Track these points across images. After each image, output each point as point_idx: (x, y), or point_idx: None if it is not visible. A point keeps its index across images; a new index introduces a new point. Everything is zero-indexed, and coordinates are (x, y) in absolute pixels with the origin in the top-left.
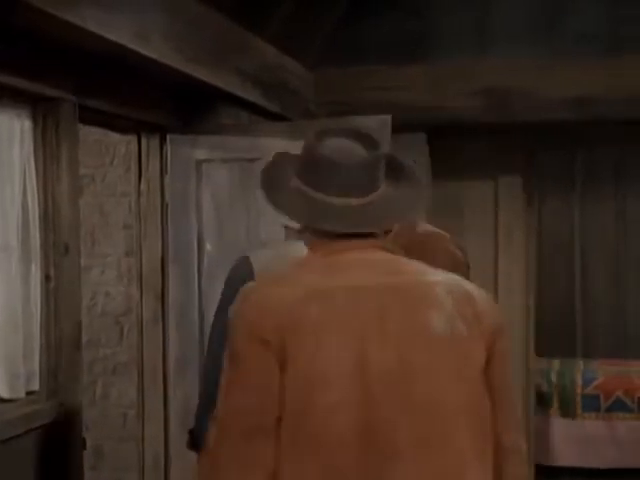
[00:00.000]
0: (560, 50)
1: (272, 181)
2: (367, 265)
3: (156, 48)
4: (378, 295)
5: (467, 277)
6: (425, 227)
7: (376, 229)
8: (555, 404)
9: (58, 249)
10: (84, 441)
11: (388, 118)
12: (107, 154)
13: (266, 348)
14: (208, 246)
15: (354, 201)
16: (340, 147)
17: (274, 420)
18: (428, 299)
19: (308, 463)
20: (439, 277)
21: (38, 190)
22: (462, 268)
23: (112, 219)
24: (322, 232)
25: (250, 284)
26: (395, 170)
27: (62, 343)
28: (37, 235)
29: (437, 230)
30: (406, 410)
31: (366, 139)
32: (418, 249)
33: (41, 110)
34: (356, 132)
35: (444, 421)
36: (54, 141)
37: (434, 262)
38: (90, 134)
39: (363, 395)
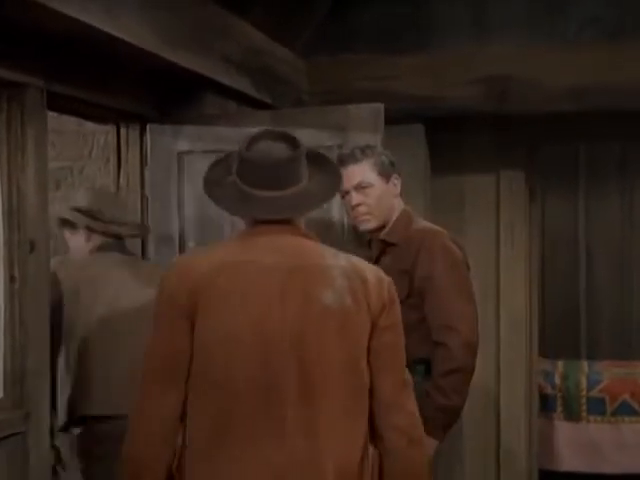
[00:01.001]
0: (563, 38)
1: (213, 177)
2: (276, 247)
3: (128, 29)
4: (281, 273)
5: (466, 276)
6: (422, 224)
7: (289, 216)
8: (559, 407)
9: (23, 247)
10: (59, 454)
11: (380, 106)
12: (85, 145)
13: (180, 311)
14: (190, 243)
15: (276, 193)
16: (265, 148)
17: (185, 371)
18: (323, 279)
19: (209, 406)
20: (338, 261)
21: (1, 182)
22: (459, 265)
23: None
24: (249, 219)
25: (178, 257)
26: (317, 164)
27: (28, 349)
28: (0, 232)
29: (434, 227)
30: (295, 366)
31: (289, 140)
32: (414, 245)
33: (4, 96)
34: (282, 134)
35: (326, 377)
36: (19, 129)
37: (431, 259)
38: (68, 124)
39: (259, 352)
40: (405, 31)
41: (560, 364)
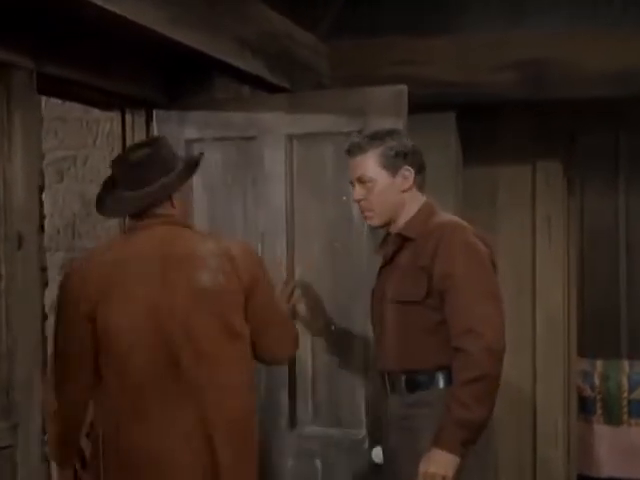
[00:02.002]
0: (604, 20)
1: (103, 185)
2: (152, 239)
3: (131, 6)
4: (159, 262)
5: (490, 275)
6: (443, 217)
7: (136, 211)
8: (599, 410)
9: (10, 241)
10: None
11: (404, 88)
12: (90, 133)
13: (82, 311)
14: None
15: (136, 193)
16: (130, 155)
17: (89, 365)
18: (197, 262)
19: (115, 383)
20: (206, 245)
21: None
22: (483, 263)
23: (95, 208)
24: (130, 216)
25: (75, 259)
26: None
27: (16, 355)
28: None
29: (457, 220)
30: (186, 343)
31: (151, 145)
32: (432, 240)
33: None
34: (149, 141)
35: (212, 347)
36: (4, 114)
37: (450, 255)
38: (72, 111)
39: (155, 335)
40: (433, 12)
41: (599, 364)
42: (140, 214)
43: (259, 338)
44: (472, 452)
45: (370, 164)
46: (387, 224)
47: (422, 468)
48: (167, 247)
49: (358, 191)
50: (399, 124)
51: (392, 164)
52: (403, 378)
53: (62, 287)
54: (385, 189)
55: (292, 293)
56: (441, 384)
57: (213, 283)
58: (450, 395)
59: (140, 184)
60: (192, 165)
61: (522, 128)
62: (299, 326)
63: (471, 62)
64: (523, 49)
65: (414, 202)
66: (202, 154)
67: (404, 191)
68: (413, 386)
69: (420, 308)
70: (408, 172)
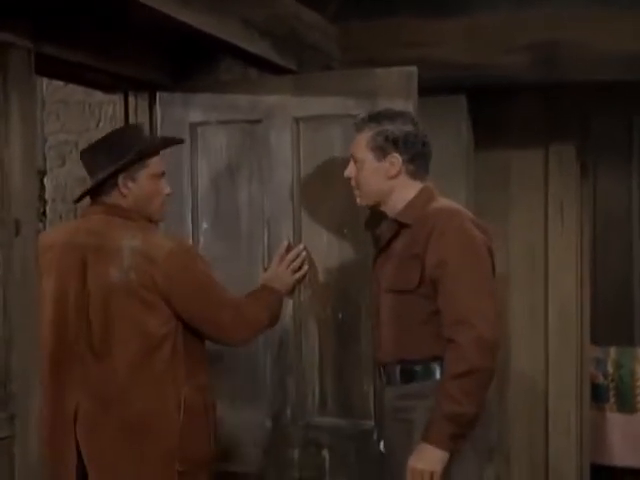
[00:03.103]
0: (616, 1)
1: None
2: (83, 228)
3: None
4: (82, 251)
5: (485, 263)
6: (441, 202)
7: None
8: (612, 398)
9: (7, 228)
10: None
11: (413, 70)
12: (92, 117)
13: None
14: (205, 224)
15: (92, 179)
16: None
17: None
18: (113, 256)
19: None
20: (133, 241)
21: None
22: (478, 250)
23: None
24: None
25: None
26: (125, 149)
27: (13, 344)
28: None
29: (454, 206)
30: (86, 331)
31: (115, 132)
32: (427, 226)
33: None
34: (121, 127)
35: (113, 339)
36: (1, 95)
37: (444, 242)
38: (74, 94)
39: (60, 316)
40: None
41: (613, 351)
42: (93, 201)
43: (198, 330)
44: (468, 442)
45: (362, 144)
46: (375, 206)
47: (410, 464)
48: (91, 238)
49: (349, 168)
50: (409, 106)
51: (380, 148)
52: (398, 369)
53: None
54: (370, 172)
55: (301, 263)
56: (437, 375)
57: (126, 280)
58: (440, 388)
59: (94, 170)
60: (145, 151)
61: (534, 111)
62: (305, 313)
63: (482, 44)
64: (535, 31)
65: (408, 188)
66: (173, 139)
67: (390, 177)
68: (408, 377)
69: (414, 297)
70: (395, 159)
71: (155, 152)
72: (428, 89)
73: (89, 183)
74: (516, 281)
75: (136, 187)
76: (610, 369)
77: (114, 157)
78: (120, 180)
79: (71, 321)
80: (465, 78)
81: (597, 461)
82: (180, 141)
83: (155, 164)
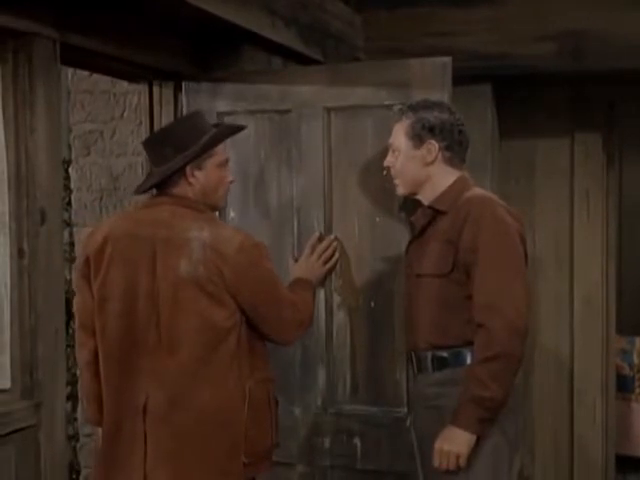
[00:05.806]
0: None
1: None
2: (150, 219)
3: None
4: (150, 243)
5: (517, 250)
6: (474, 192)
7: (148, 188)
8: (637, 388)
9: (33, 217)
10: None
11: (448, 60)
12: (117, 106)
13: (82, 276)
14: (232, 213)
15: (159, 169)
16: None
17: (92, 326)
18: (182, 249)
19: (101, 348)
20: (201, 233)
21: (7, 144)
22: (510, 237)
23: (122, 183)
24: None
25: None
26: (190, 138)
27: (39, 333)
28: (6, 200)
29: (487, 194)
30: (154, 325)
31: (179, 121)
32: (461, 214)
33: (10, 47)
34: (184, 116)
35: (180, 334)
36: (27, 85)
37: (477, 228)
38: (99, 84)
39: (130, 308)
40: None
41: (639, 341)
42: (159, 192)
43: (258, 327)
44: (499, 430)
45: (400, 133)
46: (413, 194)
47: (437, 445)
48: (159, 229)
49: (388, 158)
50: (443, 97)
51: (418, 136)
52: (430, 355)
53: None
54: (408, 160)
55: (332, 253)
56: (468, 361)
57: (194, 274)
58: (469, 372)
59: (159, 161)
60: (212, 141)
61: (560, 100)
62: (337, 302)
63: (509, 34)
64: (562, 20)
65: (444, 176)
66: (239, 127)
67: (427, 164)
68: (440, 363)
69: (446, 282)
70: (432, 146)
71: (221, 140)
72: (454, 78)
73: (153, 172)
74: (542, 270)
75: (203, 176)
76: (636, 360)
77: (181, 147)
78: (188, 170)
79: (141, 313)
80: (491, 67)
81: (622, 451)
82: (243, 127)
83: (221, 152)
